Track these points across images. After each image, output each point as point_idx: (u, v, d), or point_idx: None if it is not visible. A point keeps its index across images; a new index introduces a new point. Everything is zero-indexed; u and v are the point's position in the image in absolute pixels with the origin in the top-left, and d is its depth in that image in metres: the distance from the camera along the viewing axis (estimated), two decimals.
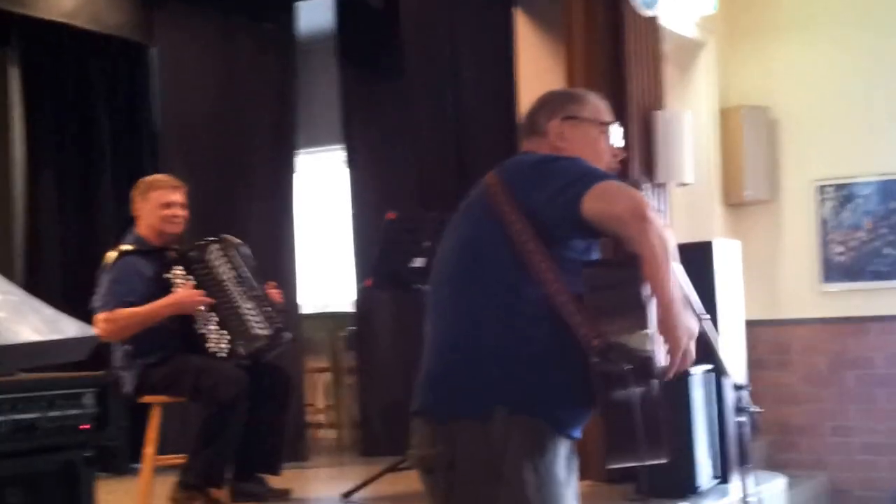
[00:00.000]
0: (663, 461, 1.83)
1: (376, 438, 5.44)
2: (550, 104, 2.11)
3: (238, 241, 4.16)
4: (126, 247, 3.95)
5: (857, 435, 5.32)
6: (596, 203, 1.83)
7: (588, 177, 1.88)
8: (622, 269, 1.89)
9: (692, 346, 1.88)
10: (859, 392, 5.33)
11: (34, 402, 1.82)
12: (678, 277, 1.90)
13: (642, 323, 1.82)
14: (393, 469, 4.05)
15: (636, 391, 1.77)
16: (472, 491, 1.87)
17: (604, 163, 2.08)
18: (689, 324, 1.87)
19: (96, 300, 3.83)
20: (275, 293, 4.10)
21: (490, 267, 1.92)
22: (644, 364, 1.80)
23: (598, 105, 2.12)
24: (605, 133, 2.10)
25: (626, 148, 2.22)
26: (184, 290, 3.83)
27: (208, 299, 3.84)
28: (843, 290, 5.42)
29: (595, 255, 1.99)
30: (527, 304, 1.87)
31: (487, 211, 1.94)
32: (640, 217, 1.81)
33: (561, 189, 1.87)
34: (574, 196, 1.84)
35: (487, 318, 1.90)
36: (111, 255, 3.92)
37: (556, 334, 1.84)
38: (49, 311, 1.83)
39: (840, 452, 5.36)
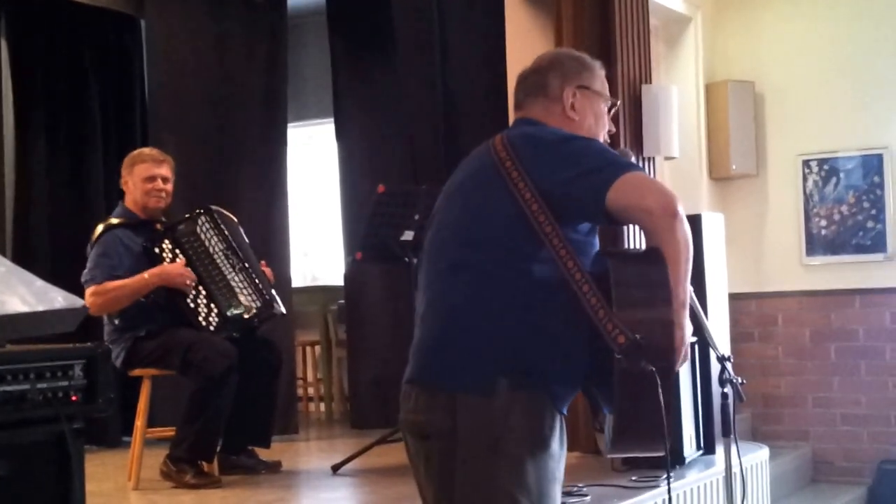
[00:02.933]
0: (661, 454, 1.84)
1: (366, 411, 5.47)
2: (564, 68, 2.05)
3: (228, 213, 4.16)
4: (114, 220, 3.95)
5: (839, 406, 5.39)
6: (623, 195, 1.81)
7: (615, 165, 1.85)
8: (650, 265, 1.86)
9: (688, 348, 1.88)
10: (842, 364, 5.40)
11: (23, 373, 1.81)
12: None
13: (668, 321, 1.82)
14: (382, 441, 4.08)
15: (655, 388, 1.77)
16: (470, 462, 1.88)
17: (602, 138, 2.07)
18: (690, 327, 1.88)
19: (85, 274, 3.83)
20: (267, 272, 4.11)
21: (498, 239, 1.89)
22: (665, 363, 1.79)
23: (603, 77, 2.10)
24: (608, 107, 2.09)
25: (614, 122, 2.21)
26: (174, 264, 3.83)
27: (193, 276, 3.84)
28: (826, 264, 5.47)
29: (596, 238, 1.97)
30: (535, 279, 1.86)
31: (497, 182, 1.90)
32: (671, 213, 1.80)
33: (585, 174, 1.85)
34: (600, 184, 1.82)
35: (494, 290, 1.88)
36: (99, 228, 3.92)
37: (562, 310, 1.84)
38: (38, 282, 1.83)
39: (822, 424, 5.43)
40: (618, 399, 1.81)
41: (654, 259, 1.85)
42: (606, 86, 2.10)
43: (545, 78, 2.05)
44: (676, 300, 1.83)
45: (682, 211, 1.83)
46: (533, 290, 1.86)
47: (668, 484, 2.14)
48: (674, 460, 3.83)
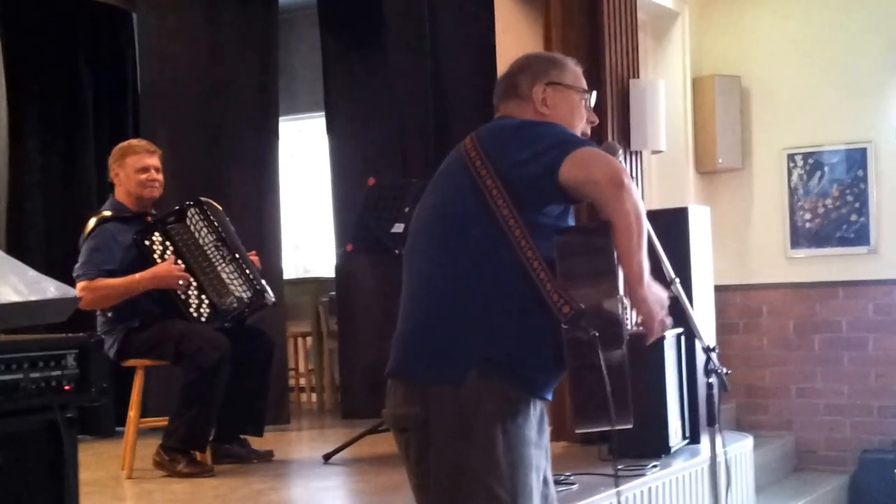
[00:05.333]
0: (628, 426, 1.87)
1: (357, 401, 5.51)
2: (532, 68, 2.09)
3: (215, 203, 4.17)
4: (105, 213, 3.97)
5: (822, 396, 5.46)
6: (573, 168, 1.85)
7: (567, 143, 1.89)
8: (594, 236, 1.91)
9: (666, 316, 1.92)
10: (825, 355, 5.46)
11: (16, 362, 1.83)
12: (649, 244, 1.93)
13: (613, 290, 1.85)
14: (373, 431, 4.11)
15: (604, 357, 1.80)
16: (444, 452, 1.92)
17: (580, 130, 2.10)
18: (660, 294, 1.91)
19: (77, 269, 3.84)
20: (255, 260, 4.14)
21: (465, 231, 1.94)
22: (612, 331, 1.83)
23: (577, 71, 2.13)
24: (585, 100, 2.12)
25: (602, 116, 2.23)
26: (164, 265, 3.85)
27: (186, 275, 3.87)
28: (810, 256, 5.53)
29: (570, 222, 2.01)
30: (501, 268, 1.90)
31: (463, 175, 1.95)
32: (617, 183, 1.84)
33: (540, 154, 1.89)
34: (552, 161, 1.86)
35: (462, 282, 1.92)
36: (91, 222, 3.94)
37: (529, 298, 1.87)
38: (30, 272, 1.85)
39: (806, 413, 5.49)
40: (570, 369, 1.85)
41: (600, 231, 1.89)
42: (581, 80, 2.13)
43: (515, 79, 2.10)
44: (631, 272, 1.86)
45: (630, 182, 1.87)
46: (498, 279, 1.90)
47: (614, 451, 2.08)
48: (660, 448, 3.88)
